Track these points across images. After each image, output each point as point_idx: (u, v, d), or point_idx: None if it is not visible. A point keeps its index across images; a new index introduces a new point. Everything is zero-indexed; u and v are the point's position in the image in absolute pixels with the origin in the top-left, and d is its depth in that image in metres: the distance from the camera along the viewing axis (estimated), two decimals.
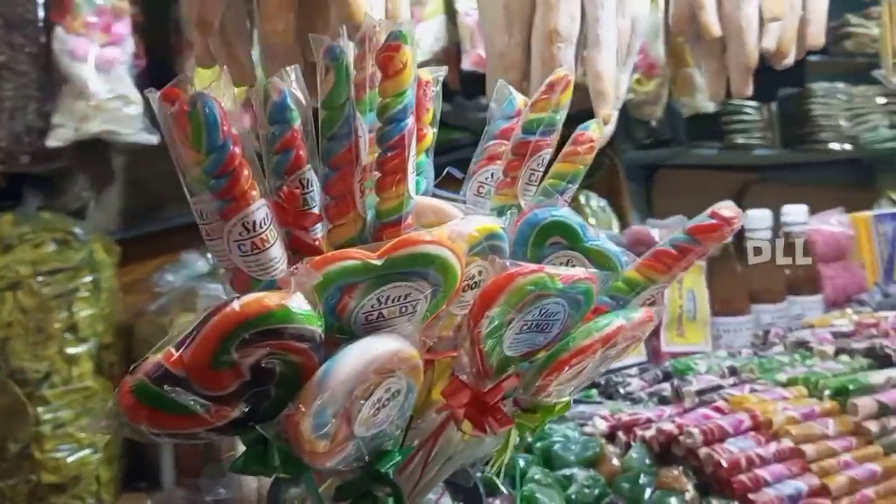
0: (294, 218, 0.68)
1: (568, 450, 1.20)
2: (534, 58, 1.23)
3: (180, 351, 0.56)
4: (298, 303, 0.57)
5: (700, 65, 1.46)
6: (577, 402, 1.40)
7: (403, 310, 0.65)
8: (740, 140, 3.28)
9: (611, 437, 1.25)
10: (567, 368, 0.67)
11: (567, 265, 0.77)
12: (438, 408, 0.73)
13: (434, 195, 0.82)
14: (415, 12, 2.11)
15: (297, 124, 0.68)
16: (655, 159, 3.25)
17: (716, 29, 1.33)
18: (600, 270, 0.74)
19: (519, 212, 0.78)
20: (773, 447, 1.09)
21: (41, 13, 1.86)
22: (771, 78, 1.50)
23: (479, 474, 1.16)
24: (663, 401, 1.35)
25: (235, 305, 0.55)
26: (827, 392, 1.21)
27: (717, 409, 1.18)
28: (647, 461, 1.14)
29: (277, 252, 0.65)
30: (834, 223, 1.86)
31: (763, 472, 1.06)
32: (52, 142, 1.85)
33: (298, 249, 0.68)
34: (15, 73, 1.94)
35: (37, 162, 1.88)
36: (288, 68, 0.68)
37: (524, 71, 1.25)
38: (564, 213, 0.77)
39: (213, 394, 0.58)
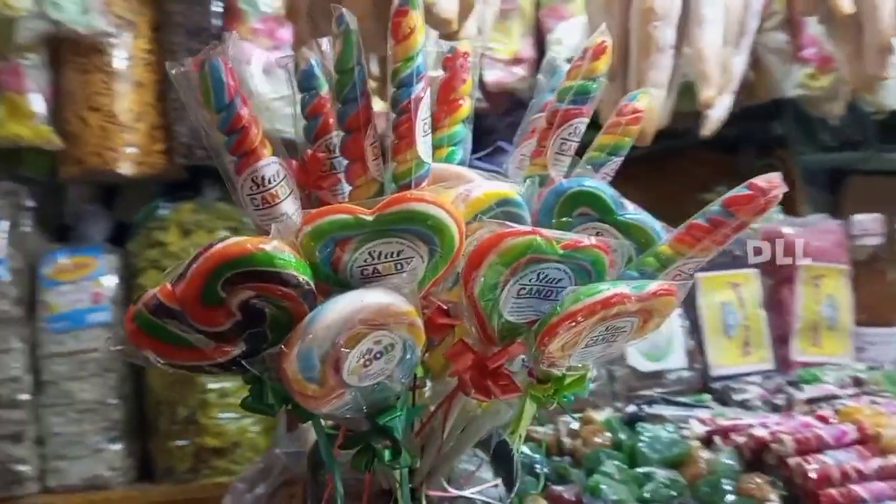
0: (315, 180, 0.73)
1: (653, 449, 1.14)
2: (631, 38, 1.20)
3: (175, 285, 0.61)
4: (276, 248, 0.61)
5: (835, 47, 1.34)
6: (683, 404, 1.33)
7: (399, 266, 0.67)
8: None
9: (709, 441, 1.17)
10: (559, 333, 0.65)
11: (596, 237, 0.75)
12: (451, 371, 0.74)
13: (472, 166, 0.83)
14: (561, 10, 2.09)
15: (325, 91, 0.73)
16: (843, 163, 2.97)
17: (847, 5, 1.21)
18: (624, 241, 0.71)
19: (544, 181, 0.77)
20: (876, 463, 0.97)
21: (216, 21, 2.06)
22: None
23: (538, 457, 1.15)
24: (776, 409, 1.25)
25: (220, 246, 0.60)
26: None
27: (821, 419, 1.08)
28: (736, 467, 1.06)
29: (289, 208, 0.69)
30: None
31: (859, 489, 0.95)
32: None
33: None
34: None
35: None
36: (320, 39, 0.73)
37: (623, 52, 1.22)
38: (594, 183, 0.75)
39: (210, 330, 0.63)
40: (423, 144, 0.71)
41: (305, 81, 0.74)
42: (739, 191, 0.71)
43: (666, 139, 1.48)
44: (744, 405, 1.32)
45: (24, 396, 1.76)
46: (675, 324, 1.43)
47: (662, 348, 1.43)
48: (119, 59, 1.85)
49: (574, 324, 0.64)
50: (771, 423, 1.11)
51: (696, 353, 1.43)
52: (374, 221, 0.65)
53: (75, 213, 2.01)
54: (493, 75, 2.10)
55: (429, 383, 0.77)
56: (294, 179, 0.71)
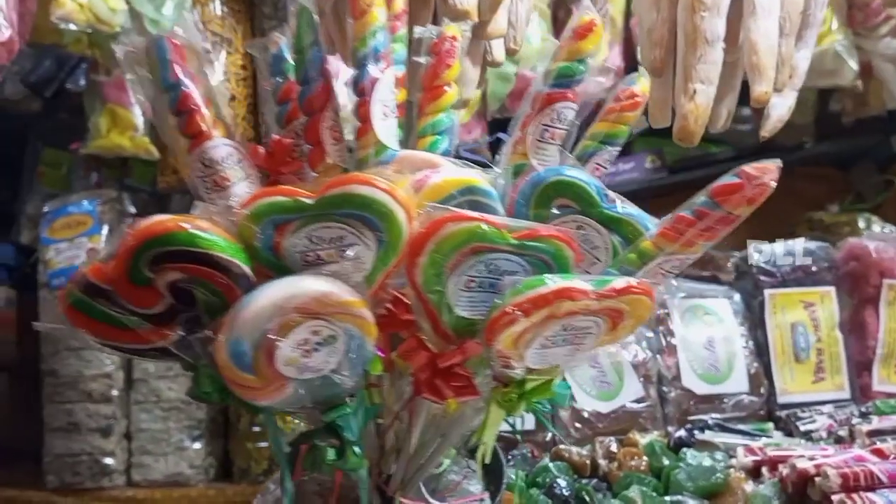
0: (278, 165, 0.71)
1: (689, 477, 1.04)
2: (678, 30, 1.11)
3: (105, 263, 0.60)
4: (200, 227, 0.59)
5: None
6: (740, 432, 1.22)
7: (343, 254, 0.63)
8: None
9: (757, 472, 1.06)
10: (500, 329, 0.59)
11: (577, 231, 0.69)
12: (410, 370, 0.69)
13: (458, 157, 0.78)
14: None
15: (292, 78, 0.71)
16: None
17: None
18: (595, 247, 0.65)
19: (521, 169, 0.71)
20: None
21: None
22: None
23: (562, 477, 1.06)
24: (839, 440, 1.11)
25: (145, 223, 0.59)
26: None
27: (878, 453, 0.95)
28: (775, 501, 0.95)
29: (242, 191, 0.67)
30: None
31: None
32: None
33: None
34: None
35: None
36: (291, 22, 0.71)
37: (670, 47, 1.13)
38: (575, 172, 0.69)
39: (143, 311, 0.62)
40: (383, 128, 0.67)
41: (275, 66, 0.72)
42: (727, 179, 0.63)
43: (772, 153, 1.37)
44: (809, 436, 1.19)
45: (116, 392, 1.83)
46: (736, 344, 1.31)
47: (722, 370, 1.31)
48: (214, 75, 1.93)
49: (514, 319, 0.58)
50: (819, 454, 0.99)
51: (761, 376, 1.31)
52: (314, 205, 0.61)
53: None
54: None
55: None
56: (254, 165, 0.69)
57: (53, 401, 1.80)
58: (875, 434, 1.02)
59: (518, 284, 0.58)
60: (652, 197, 2.00)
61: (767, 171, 0.60)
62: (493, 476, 0.82)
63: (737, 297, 1.36)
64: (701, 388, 1.29)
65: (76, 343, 1.78)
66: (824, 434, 1.17)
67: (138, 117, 1.98)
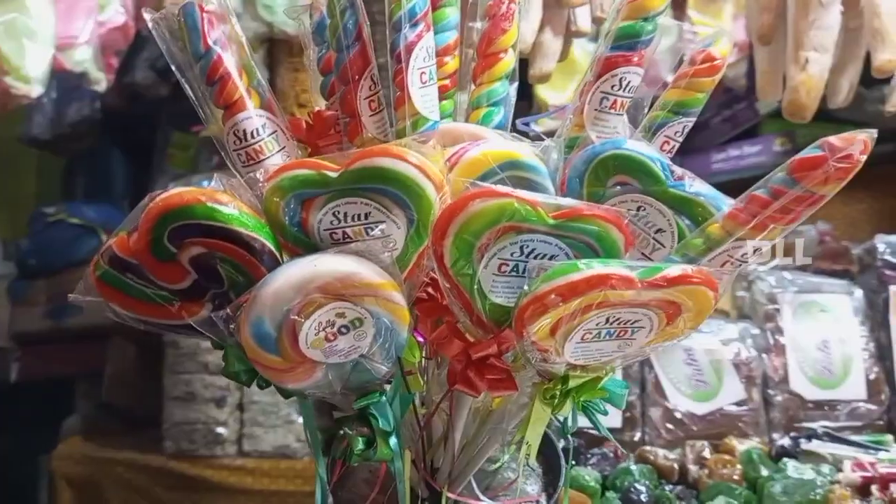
0: (317, 139, 0.67)
1: (785, 491, 0.93)
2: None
3: (129, 236, 0.59)
4: (218, 201, 0.56)
5: None
6: (853, 444, 1.08)
7: (370, 230, 0.59)
8: None
9: (865, 490, 0.94)
10: (529, 318, 0.53)
11: (637, 214, 0.62)
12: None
13: (516, 130, 0.72)
14: None
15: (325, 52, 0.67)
16: None
17: None
18: (658, 231, 0.58)
19: (576, 142, 0.64)
20: None
21: None
22: None
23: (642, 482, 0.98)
24: None
25: (163, 195, 0.57)
26: None
27: None
28: None
29: (276, 164, 0.64)
30: None
31: None
32: None
33: None
34: None
35: None
36: None
37: (780, 11, 1.02)
38: (635, 145, 0.62)
39: (170, 286, 0.60)
40: (420, 97, 0.62)
41: (318, 33, 0.69)
42: (809, 152, 0.53)
43: None
44: None
45: None
46: (855, 345, 1.17)
47: (836, 374, 1.18)
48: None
49: (544, 309, 0.51)
50: None
51: (881, 383, 1.16)
52: (338, 179, 0.58)
53: None
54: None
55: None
56: (293, 138, 0.66)
57: (173, 371, 1.89)
58: None
59: (547, 270, 0.52)
60: None
61: (855, 143, 0.51)
62: (550, 475, 0.76)
63: (858, 293, 1.21)
64: (811, 393, 1.16)
65: None
66: None
67: None
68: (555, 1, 0.99)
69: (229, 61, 0.63)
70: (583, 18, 1.03)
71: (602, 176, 0.62)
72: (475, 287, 0.57)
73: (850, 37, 1.04)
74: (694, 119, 0.67)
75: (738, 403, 1.15)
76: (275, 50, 2.02)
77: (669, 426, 1.15)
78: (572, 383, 0.59)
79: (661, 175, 0.61)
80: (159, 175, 2.35)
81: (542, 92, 1.64)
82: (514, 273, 0.56)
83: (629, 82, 0.65)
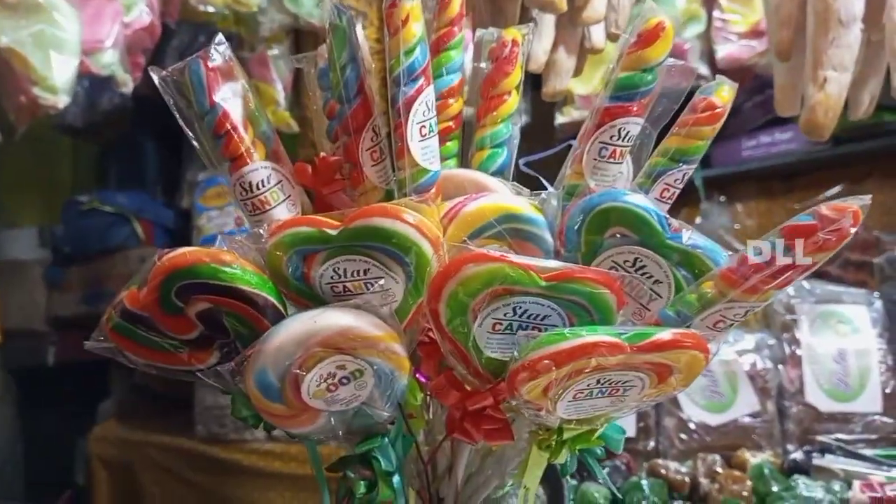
0: (323, 184, 0.69)
1: None
2: (808, 9, 0.97)
3: (139, 291, 0.61)
4: (221, 260, 0.58)
5: None
6: (867, 459, 1.09)
7: (369, 286, 0.60)
8: None
9: None
10: (520, 382, 0.54)
11: (635, 265, 0.62)
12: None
13: (519, 172, 0.73)
14: None
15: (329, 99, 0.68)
16: None
17: None
18: (656, 282, 0.58)
19: (574, 191, 0.65)
20: None
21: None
22: None
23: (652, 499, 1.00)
24: None
25: (170, 254, 0.59)
26: None
27: None
28: None
29: (282, 214, 0.66)
30: None
31: None
32: None
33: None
34: None
35: None
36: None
37: (799, 26, 0.99)
38: (634, 198, 0.62)
39: (179, 337, 0.63)
40: (420, 150, 0.63)
41: (322, 80, 0.70)
42: (802, 219, 0.53)
43: None
44: None
45: None
46: (872, 358, 1.17)
47: (852, 387, 1.17)
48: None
49: (538, 374, 0.53)
50: None
51: None
52: (337, 236, 0.59)
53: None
54: (726, 50, 1.90)
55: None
56: (295, 184, 0.68)
57: None
58: None
59: (534, 340, 0.53)
60: (814, 170, 1.80)
61: (846, 215, 0.51)
62: (554, 499, 0.78)
63: (878, 304, 1.20)
64: (827, 406, 1.16)
65: None
66: None
67: (280, 92, 2.06)
68: (567, 20, 0.99)
69: (235, 115, 0.64)
70: (597, 35, 1.02)
71: (600, 226, 0.63)
72: (471, 343, 0.59)
73: (871, 50, 1.01)
74: (694, 166, 0.67)
75: (753, 415, 1.16)
76: (301, 41, 2.04)
77: (683, 436, 1.16)
78: (567, 434, 0.60)
79: (658, 228, 0.62)
80: (190, 163, 2.39)
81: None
82: (508, 331, 0.58)
83: (628, 132, 0.65)
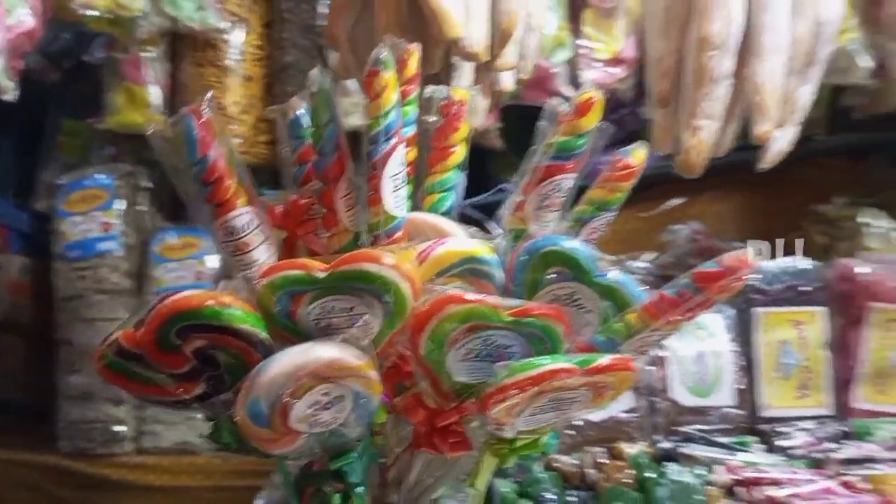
0: (295, 225, 0.76)
1: (670, 494, 1.11)
2: (686, 66, 1.14)
3: (136, 330, 0.66)
4: (224, 303, 0.64)
5: None
6: (722, 445, 1.28)
7: (354, 321, 0.69)
8: None
9: (733, 492, 1.13)
10: (494, 404, 0.65)
11: (571, 298, 0.75)
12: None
13: (463, 213, 0.83)
14: None
15: (309, 142, 0.76)
16: None
17: None
18: (588, 311, 0.71)
19: (521, 235, 0.77)
20: None
21: (321, 22, 2.12)
22: None
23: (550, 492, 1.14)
24: (816, 464, 1.18)
25: (173, 297, 0.64)
26: None
27: (847, 485, 1.01)
28: None
29: (261, 255, 0.73)
30: None
31: None
32: None
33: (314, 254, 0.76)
34: (300, 71, 2.27)
35: None
36: (300, 95, 0.76)
37: (676, 80, 1.16)
38: (569, 243, 0.74)
39: (171, 371, 0.68)
40: (391, 199, 0.72)
41: (293, 130, 0.77)
42: (709, 266, 0.68)
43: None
44: (788, 453, 1.26)
45: None
46: (726, 359, 1.37)
47: (709, 383, 1.37)
48: (231, 55, 1.96)
49: (508, 397, 0.64)
50: (794, 477, 1.05)
51: (747, 391, 1.37)
52: (326, 278, 0.67)
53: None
54: (590, 75, 2.08)
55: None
56: (270, 225, 0.75)
57: (68, 369, 1.88)
58: (848, 463, 1.08)
59: (509, 367, 0.64)
60: (661, 183, 2.01)
61: (743, 268, 0.65)
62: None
63: (730, 311, 1.41)
64: (688, 401, 1.35)
65: (90, 314, 1.85)
66: (804, 452, 1.23)
67: (153, 95, 2.03)
68: (484, 66, 1.10)
69: (222, 165, 0.70)
70: (507, 80, 1.15)
71: (542, 266, 0.74)
72: (443, 370, 0.68)
73: (734, 98, 1.20)
74: (616, 211, 0.81)
75: (628, 411, 1.33)
76: (178, 44, 2.02)
77: (571, 432, 1.31)
78: (519, 443, 0.71)
79: (588, 267, 0.74)
80: (48, 163, 2.29)
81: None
82: (477, 359, 0.68)
83: (564, 185, 0.78)
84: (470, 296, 0.66)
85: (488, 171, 1.91)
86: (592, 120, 0.76)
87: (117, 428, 1.89)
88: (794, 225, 2.01)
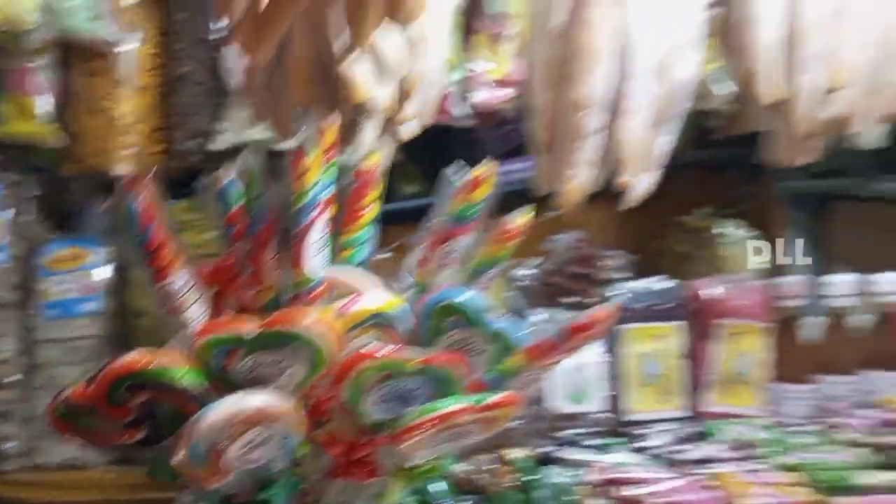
0: (224, 283, 0.86)
1: (549, 494, 1.27)
2: (562, 121, 1.30)
3: (86, 386, 0.75)
4: (166, 363, 0.74)
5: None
6: (593, 447, 1.46)
7: (281, 372, 0.80)
8: None
9: (603, 491, 1.30)
10: (404, 442, 0.78)
11: (466, 342, 0.88)
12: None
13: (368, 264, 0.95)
14: None
15: (236, 206, 0.86)
16: (830, 190, 3.03)
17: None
18: (480, 353, 0.85)
19: (425, 288, 0.90)
20: None
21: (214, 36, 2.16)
22: None
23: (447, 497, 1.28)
24: (672, 464, 1.37)
25: (121, 360, 0.73)
26: (824, 485, 1.18)
27: (696, 484, 1.20)
28: None
29: (196, 312, 0.82)
30: None
31: None
32: (218, 145, 2.14)
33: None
34: (194, 82, 2.29)
35: (207, 161, 2.19)
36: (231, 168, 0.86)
37: (552, 131, 1.32)
38: (462, 297, 0.88)
39: (118, 421, 0.77)
40: (312, 263, 0.83)
41: (222, 196, 0.87)
42: (579, 319, 0.83)
43: None
44: (649, 452, 1.45)
45: (15, 378, 1.90)
46: (598, 370, 1.55)
47: (584, 391, 1.55)
48: (124, 65, 1.97)
49: (416, 434, 0.77)
50: (652, 480, 1.24)
51: (615, 398, 1.55)
52: (255, 338, 0.78)
53: (77, 205, 2.15)
54: (482, 96, 2.26)
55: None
56: (203, 284, 0.84)
57: None
58: (698, 462, 1.28)
59: (417, 410, 0.77)
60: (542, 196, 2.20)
61: (605, 316, 0.81)
62: None
63: None
64: (567, 407, 1.53)
65: None
66: (663, 451, 1.43)
67: (42, 105, 2.02)
68: (389, 120, 1.22)
69: (161, 235, 0.79)
70: (406, 131, 1.27)
71: (441, 316, 0.88)
72: (360, 411, 0.81)
73: (604, 148, 1.37)
74: (505, 265, 0.95)
75: (515, 418, 1.49)
76: (69, 55, 2.01)
77: None
78: (422, 469, 0.85)
79: (477, 317, 0.88)
80: None
81: None
82: (389, 401, 0.81)
83: (462, 244, 0.91)
84: (382, 351, 0.78)
85: (389, 181, 2.04)
86: (484, 192, 0.90)
87: (5, 444, 1.89)
88: (660, 234, 2.25)
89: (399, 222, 1.64)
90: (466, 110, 2.30)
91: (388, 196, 1.33)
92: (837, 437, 1.37)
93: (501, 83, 2.27)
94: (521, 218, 0.92)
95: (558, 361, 0.86)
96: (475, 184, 0.89)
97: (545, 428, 1.52)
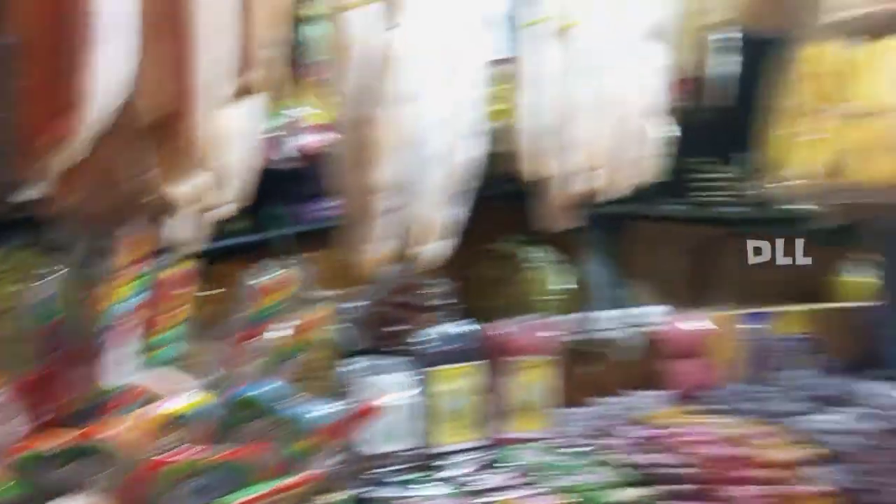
0: (32, 403, 0.93)
1: None
2: (359, 201, 1.46)
3: None
4: None
5: None
6: (405, 483, 1.61)
7: (89, 481, 0.88)
8: (706, 198, 3.36)
9: None
10: None
11: (266, 429, 1.01)
12: None
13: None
14: None
15: (54, 320, 0.93)
16: (627, 212, 3.36)
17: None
18: (277, 439, 0.97)
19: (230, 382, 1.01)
20: None
21: None
22: None
23: None
24: (472, 494, 1.55)
25: None
26: None
27: None
28: None
29: (11, 428, 0.89)
30: (694, 322, 2.02)
31: None
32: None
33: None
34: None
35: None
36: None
37: (358, 207, 1.48)
38: (257, 390, 1.01)
39: None
40: (116, 373, 0.93)
41: (42, 308, 0.94)
42: (350, 411, 0.98)
43: None
44: (454, 482, 1.62)
45: None
46: (410, 409, 1.70)
47: (398, 430, 1.70)
48: None
49: None
50: None
51: (426, 434, 1.71)
52: (52, 457, 0.86)
53: None
54: (308, 140, 2.38)
55: None
56: (19, 397, 0.91)
57: None
58: (484, 492, 1.46)
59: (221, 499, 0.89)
60: None
61: (376, 412, 0.96)
62: None
63: (412, 369, 1.74)
64: (381, 447, 1.67)
65: None
66: (466, 480, 1.61)
67: None
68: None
69: None
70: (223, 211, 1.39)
71: (242, 407, 1.00)
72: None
73: (400, 223, 1.54)
74: (304, 354, 1.08)
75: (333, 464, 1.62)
76: None
77: None
78: None
79: (272, 407, 1.01)
80: None
81: None
82: (193, 494, 0.91)
83: (266, 338, 1.03)
84: (180, 455, 0.89)
85: None
86: (280, 296, 1.03)
87: None
88: (475, 262, 2.45)
89: (227, 259, 1.75)
90: (291, 153, 2.43)
91: (217, 234, 1.42)
92: (603, 457, 1.60)
93: (322, 128, 2.41)
94: (318, 311, 1.06)
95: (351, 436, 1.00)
96: (273, 287, 1.02)
97: (359, 469, 1.65)
